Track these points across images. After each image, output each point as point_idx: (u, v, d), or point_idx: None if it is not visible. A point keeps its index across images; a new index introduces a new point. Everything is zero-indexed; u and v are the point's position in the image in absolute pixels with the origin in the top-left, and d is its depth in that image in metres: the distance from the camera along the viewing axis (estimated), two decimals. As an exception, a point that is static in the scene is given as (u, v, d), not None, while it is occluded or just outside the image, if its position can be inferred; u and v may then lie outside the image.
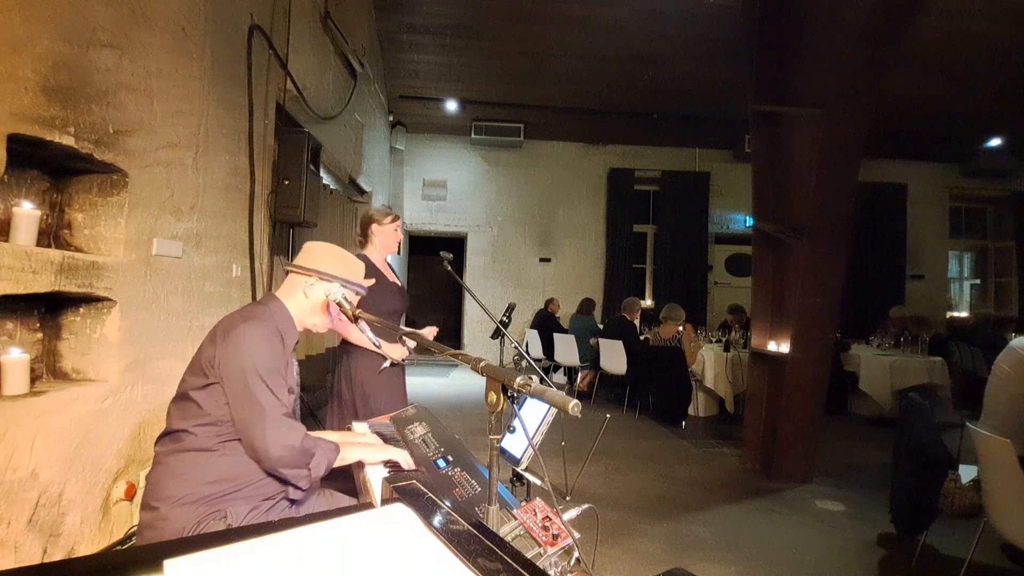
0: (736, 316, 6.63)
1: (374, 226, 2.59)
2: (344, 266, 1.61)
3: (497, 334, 2.90)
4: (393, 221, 2.62)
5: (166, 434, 1.44)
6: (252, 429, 1.37)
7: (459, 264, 9.09)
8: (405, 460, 1.58)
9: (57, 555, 1.91)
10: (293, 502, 1.51)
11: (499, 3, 6.18)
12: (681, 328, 5.79)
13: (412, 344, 2.57)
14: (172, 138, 2.53)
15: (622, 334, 5.98)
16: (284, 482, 1.45)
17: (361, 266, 1.69)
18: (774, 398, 3.96)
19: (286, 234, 3.91)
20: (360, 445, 1.63)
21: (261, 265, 3.48)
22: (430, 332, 2.54)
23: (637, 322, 6.36)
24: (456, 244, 9.24)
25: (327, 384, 5.49)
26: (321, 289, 1.56)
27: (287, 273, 1.62)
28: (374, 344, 1.72)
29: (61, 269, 1.91)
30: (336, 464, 1.49)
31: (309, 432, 1.48)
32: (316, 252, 1.61)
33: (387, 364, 2.52)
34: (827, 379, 3.88)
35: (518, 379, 0.85)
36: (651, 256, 9.67)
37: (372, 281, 2.32)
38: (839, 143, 3.60)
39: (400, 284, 2.71)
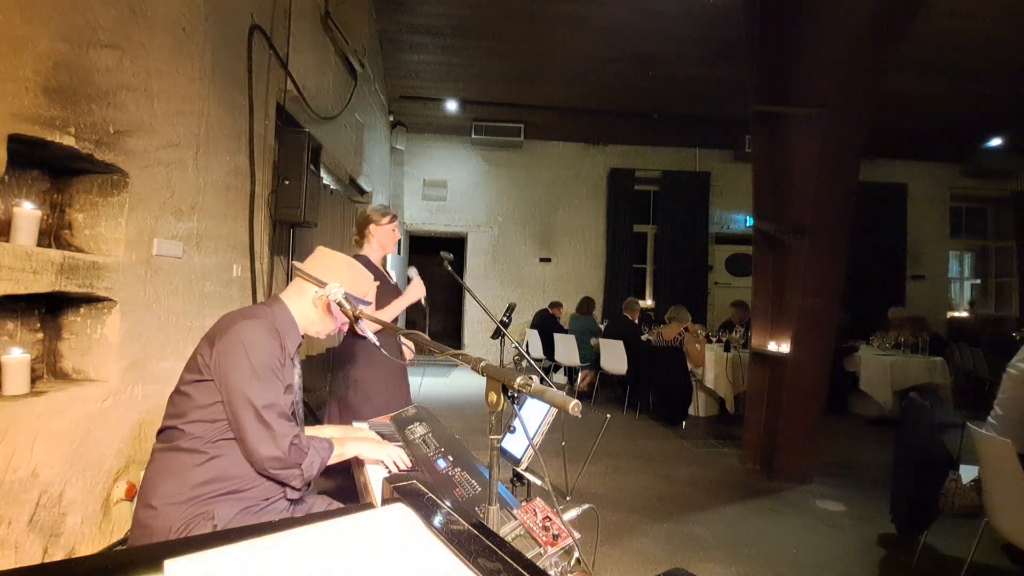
0: (739, 311, 6.55)
1: (372, 226, 2.56)
2: (354, 280, 1.59)
3: (497, 334, 2.91)
4: (391, 221, 2.58)
5: (162, 430, 1.44)
6: (243, 425, 1.36)
7: (459, 264, 9.09)
8: (403, 461, 1.57)
9: (57, 555, 1.91)
10: (292, 502, 1.50)
11: (499, 3, 6.18)
12: (686, 329, 5.78)
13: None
14: (172, 138, 2.53)
15: (623, 334, 5.99)
16: (279, 483, 1.44)
17: (371, 281, 1.66)
18: (774, 398, 3.96)
19: (286, 234, 3.91)
20: (358, 440, 1.63)
21: (261, 265, 3.48)
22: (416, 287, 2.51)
23: (637, 322, 6.36)
24: (456, 244, 9.24)
25: (327, 384, 5.48)
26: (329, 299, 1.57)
27: (294, 274, 1.61)
28: (377, 343, 1.72)
29: (61, 269, 1.91)
30: (332, 460, 1.48)
31: (306, 428, 1.47)
32: (328, 262, 1.58)
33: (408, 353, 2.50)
34: (827, 379, 3.87)
35: (518, 379, 0.85)
36: (651, 256, 9.67)
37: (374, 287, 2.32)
38: (839, 143, 3.59)
39: (398, 285, 2.70)
